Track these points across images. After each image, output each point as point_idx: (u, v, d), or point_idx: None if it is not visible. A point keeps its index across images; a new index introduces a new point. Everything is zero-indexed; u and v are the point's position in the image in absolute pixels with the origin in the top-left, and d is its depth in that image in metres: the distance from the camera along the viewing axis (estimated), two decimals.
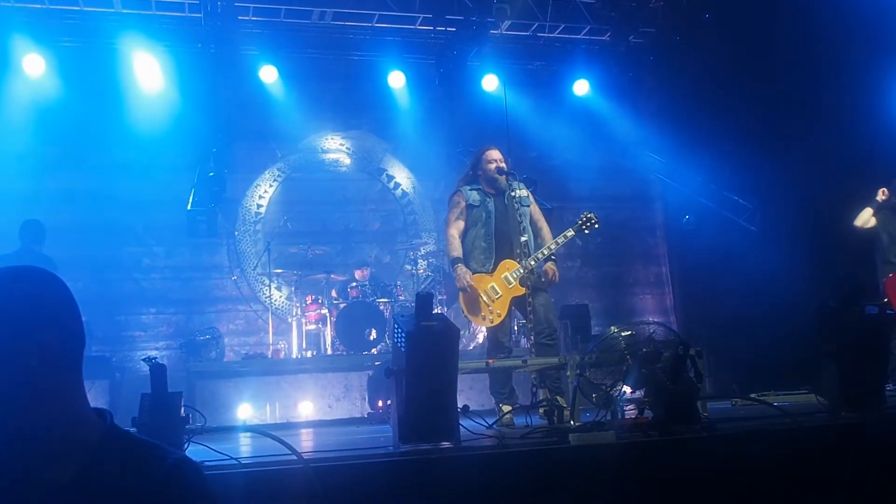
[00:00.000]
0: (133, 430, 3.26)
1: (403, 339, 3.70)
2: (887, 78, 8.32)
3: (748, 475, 3.39)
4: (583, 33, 11.42)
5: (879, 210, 7.73)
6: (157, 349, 10.18)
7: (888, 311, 4.67)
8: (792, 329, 7.93)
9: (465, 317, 6.29)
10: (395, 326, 3.86)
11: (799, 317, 7.71)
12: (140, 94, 10.13)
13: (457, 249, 6.15)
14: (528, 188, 6.43)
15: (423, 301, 3.80)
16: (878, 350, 4.45)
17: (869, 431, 3.82)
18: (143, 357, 3.88)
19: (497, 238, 6.11)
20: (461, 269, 6.05)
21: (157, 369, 3.44)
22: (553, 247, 6.05)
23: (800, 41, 8.72)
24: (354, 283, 10.05)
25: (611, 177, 12.28)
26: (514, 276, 5.95)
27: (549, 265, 6.12)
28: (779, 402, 4.56)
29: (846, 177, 8.40)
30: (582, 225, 6.19)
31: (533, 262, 5.93)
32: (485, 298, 5.99)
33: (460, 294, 6.13)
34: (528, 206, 6.24)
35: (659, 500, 3.27)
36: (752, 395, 5.24)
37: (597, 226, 6.20)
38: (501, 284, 5.99)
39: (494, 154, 6.24)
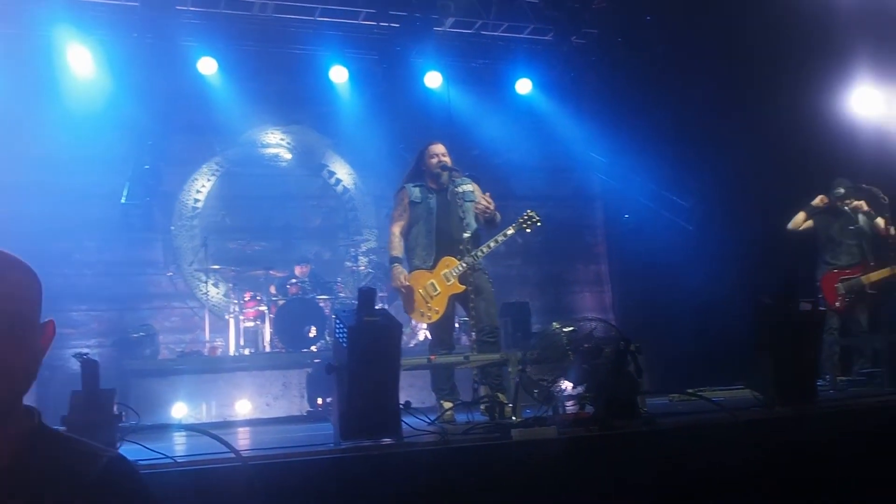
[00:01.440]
0: (62, 429, 3.15)
1: (345, 335, 3.65)
2: (825, 79, 8.52)
3: (687, 468, 3.42)
4: (526, 32, 11.46)
5: (815, 214, 7.90)
6: (88, 347, 9.88)
7: (820, 307, 4.78)
8: (727, 326, 8.12)
9: (405, 313, 6.26)
10: (337, 322, 3.81)
11: (734, 314, 7.89)
12: (73, 85, 9.80)
13: (396, 248, 6.12)
14: (475, 185, 6.40)
15: (366, 296, 3.76)
16: (811, 345, 4.54)
17: (802, 425, 3.89)
18: (73, 353, 3.75)
19: (438, 235, 6.09)
20: (397, 269, 6.05)
21: (89, 365, 3.33)
22: (493, 244, 6.03)
23: (739, 43, 8.87)
24: (294, 280, 9.93)
25: (552, 176, 12.37)
26: (454, 273, 5.93)
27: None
28: (715, 397, 4.61)
29: (783, 177, 8.58)
30: (523, 223, 6.18)
31: (473, 259, 5.92)
32: (422, 295, 5.96)
33: (400, 290, 6.10)
34: (473, 201, 6.21)
35: (601, 494, 3.28)
36: (689, 391, 5.29)
37: (539, 224, 6.19)
38: (440, 281, 5.97)
39: (437, 149, 6.22)
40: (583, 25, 10.99)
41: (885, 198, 7.02)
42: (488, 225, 6.22)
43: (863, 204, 7.69)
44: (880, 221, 7.62)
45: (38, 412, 1.54)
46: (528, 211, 6.24)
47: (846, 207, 7.73)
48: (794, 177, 8.26)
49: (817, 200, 7.82)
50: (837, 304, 7.57)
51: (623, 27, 10.81)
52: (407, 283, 5.97)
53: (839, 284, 7.58)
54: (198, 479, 2.96)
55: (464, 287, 5.89)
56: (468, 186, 6.24)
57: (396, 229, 6.18)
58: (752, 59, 8.88)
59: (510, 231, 6.11)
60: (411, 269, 6.08)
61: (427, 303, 5.95)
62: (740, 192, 8.93)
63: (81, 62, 9.76)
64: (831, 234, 7.81)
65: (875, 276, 7.44)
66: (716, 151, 9.58)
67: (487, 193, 6.19)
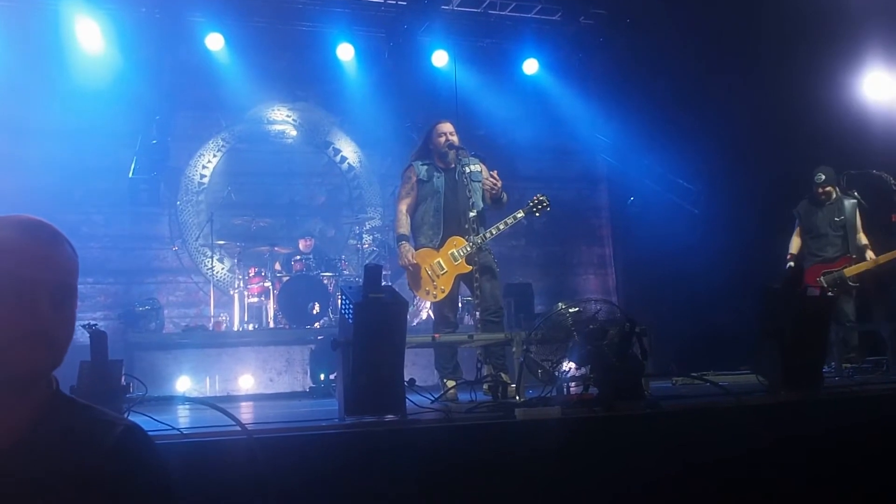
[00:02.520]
0: (81, 400, 3.16)
1: (351, 311, 3.66)
2: (837, 63, 8.46)
3: (691, 451, 3.43)
4: (534, 12, 11.38)
5: (801, 210, 7.95)
6: (94, 319, 9.94)
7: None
8: (732, 310, 8.13)
9: (411, 291, 6.26)
10: (343, 297, 3.81)
11: (739, 298, 7.89)
12: (81, 58, 9.79)
13: (403, 226, 6.11)
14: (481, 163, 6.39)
15: (372, 273, 3.76)
16: (818, 332, 4.54)
17: (808, 411, 3.89)
18: (82, 324, 3.76)
19: (445, 213, 6.08)
20: (405, 246, 6.02)
21: (98, 336, 3.34)
22: (502, 227, 6.04)
23: (750, 26, 8.81)
24: (298, 257, 9.94)
25: (557, 157, 12.34)
26: (461, 252, 5.93)
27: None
28: (720, 381, 4.62)
29: (791, 161, 8.55)
30: (533, 207, 6.17)
31: (481, 240, 5.92)
32: (429, 273, 5.96)
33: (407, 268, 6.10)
34: (480, 181, 6.20)
35: (603, 475, 3.29)
36: (693, 374, 5.30)
37: (548, 209, 6.20)
38: (447, 260, 5.97)
39: (445, 127, 6.20)
40: (591, 6, 10.95)
41: None
42: (495, 205, 6.23)
43: (844, 195, 7.72)
44: (859, 218, 7.65)
45: (56, 380, 1.56)
46: (539, 195, 6.23)
47: (825, 196, 7.74)
48: (803, 162, 8.22)
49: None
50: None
51: (632, 8, 10.75)
52: (414, 261, 5.97)
53: (821, 277, 7.58)
54: (203, 450, 2.97)
55: (470, 267, 5.89)
56: (475, 166, 6.22)
57: (403, 206, 6.16)
58: (763, 43, 8.82)
59: (520, 214, 6.11)
60: (417, 247, 6.07)
61: (433, 281, 5.96)
62: (747, 175, 8.89)
63: (90, 36, 9.74)
64: (816, 224, 7.80)
65: (856, 268, 7.46)
66: (723, 135, 9.53)
67: (495, 171, 6.19)
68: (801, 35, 8.33)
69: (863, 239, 7.61)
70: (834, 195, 7.75)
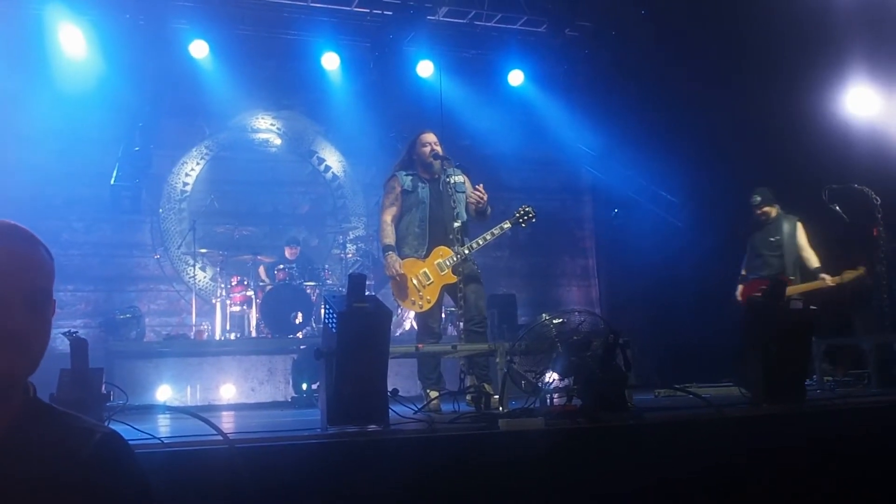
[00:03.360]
0: (57, 407, 3.12)
1: (335, 320, 3.64)
2: (820, 78, 8.53)
3: (674, 463, 3.43)
4: (519, 24, 11.43)
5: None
6: (74, 327, 9.83)
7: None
8: (715, 322, 8.15)
9: (395, 301, 6.24)
10: (327, 307, 3.79)
11: (722, 311, 7.92)
12: (64, 64, 9.73)
13: (389, 236, 6.08)
14: (465, 175, 6.39)
15: (356, 282, 3.74)
16: (800, 344, 4.56)
17: (789, 423, 3.91)
18: (63, 332, 3.72)
19: (431, 224, 6.06)
20: (392, 256, 5.98)
21: (78, 343, 3.31)
22: (488, 237, 6.04)
23: (734, 40, 8.87)
24: (282, 266, 9.90)
25: (542, 168, 12.38)
26: (448, 262, 5.92)
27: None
28: (702, 393, 4.62)
29: (774, 175, 8.59)
30: (519, 218, 6.17)
31: (466, 251, 5.91)
32: (416, 284, 5.94)
33: (392, 278, 6.08)
34: (464, 192, 6.20)
35: (586, 486, 3.29)
36: (676, 386, 5.31)
37: (534, 220, 6.19)
38: (433, 271, 5.95)
39: (429, 137, 6.19)
40: (577, 18, 11.00)
41: (878, 198, 7.05)
42: (479, 217, 6.22)
43: (786, 215, 7.78)
44: (802, 237, 7.69)
45: (33, 386, 1.54)
46: (525, 206, 6.23)
47: (763, 216, 7.80)
48: (786, 176, 8.28)
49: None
50: None
51: (617, 21, 10.81)
52: (402, 272, 5.94)
53: (756, 293, 7.59)
54: (184, 459, 2.95)
55: (456, 277, 5.88)
56: (459, 177, 6.21)
57: (388, 217, 6.13)
58: (746, 56, 8.89)
59: (507, 225, 6.11)
60: (402, 257, 6.03)
61: (419, 291, 5.93)
62: (731, 189, 8.93)
63: (73, 42, 9.69)
64: (755, 245, 7.88)
65: (795, 290, 7.37)
66: (707, 148, 9.59)
67: (480, 185, 6.18)
68: (785, 50, 8.39)
69: (811, 259, 7.62)
70: (774, 214, 7.80)
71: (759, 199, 7.81)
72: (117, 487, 1.47)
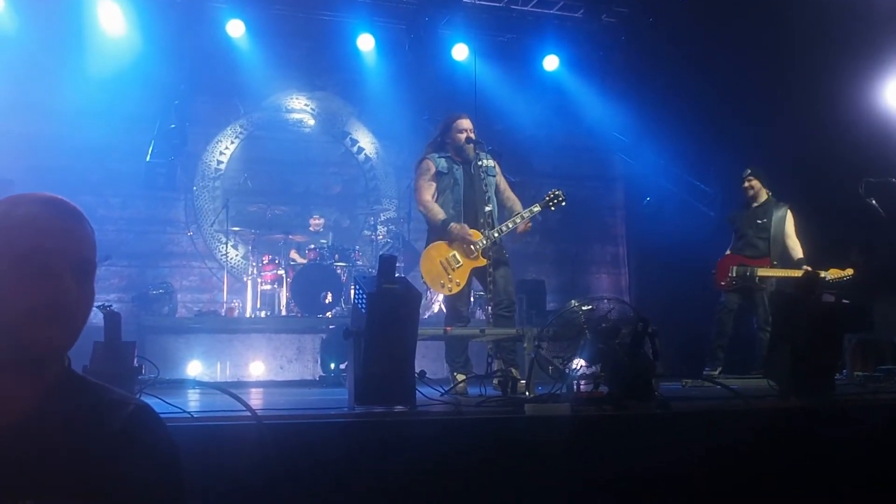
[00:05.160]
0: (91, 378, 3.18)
1: (364, 301, 3.66)
2: (860, 70, 8.39)
3: (699, 453, 3.42)
4: (556, 8, 11.34)
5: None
6: (108, 301, 9.97)
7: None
8: (743, 315, 8.09)
9: (424, 284, 6.25)
10: (357, 287, 3.82)
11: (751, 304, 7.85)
12: (101, 39, 9.84)
13: (441, 212, 6.00)
14: (495, 160, 6.38)
15: (387, 263, 3.76)
16: (831, 338, 4.51)
17: (817, 417, 3.88)
18: (97, 305, 3.78)
19: (464, 207, 6.05)
20: (455, 226, 5.90)
21: (112, 317, 3.37)
22: (518, 220, 6.03)
23: (772, 29, 8.75)
24: (312, 246, 9.96)
25: (574, 154, 12.31)
26: (478, 246, 5.92)
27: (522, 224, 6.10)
28: (730, 384, 4.60)
29: (809, 168, 8.49)
30: (549, 201, 6.14)
31: (497, 234, 5.91)
32: (445, 266, 5.95)
33: (421, 261, 6.08)
34: (494, 176, 6.19)
35: (610, 473, 3.29)
36: (704, 375, 5.29)
37: (564, 203, 6.15)
38: (463, 254, 5.96)
39: (465, 123, 6.17)
40: (614, 4, 10.91)
41: None
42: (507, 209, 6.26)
43: (777, 202, 7.81)
44: (790, 225, 7.70)
45: (68, 357, 1.57)
46: (555, 189, 6.20)
47: (749, 188, 7.85)
48: (821, 169, 8.17)
49: None
50: (723, 283, 7.68)
51: (655, 7, 10.70)
52: (472, 237, 5.88)
53: (734, 266, 7.65)
54: (213, 434, 2.99)
55: (486, 261, 5.88)
56: (490, 161, 6.20)
57: (428, 196, 6.07)
58: (786, 46, 8.75)
59: (536, 209, 6.09)
60: (433, 239, 6.04)
61: (448, 274, 5.93)
62: (766, 180, 8.84)
63: (111, 19, 9.79)
64: (740, 225, 7.90)
65: (771, 271, 7.50)
66: (742, 139, 9.48)
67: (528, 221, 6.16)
68: (824, 41, 8.26)
69: (796, 249, 7.65)
70: (763, 197, 7.83)
71: (748, 171, 7.89)
72: (149, 458, 1.49)
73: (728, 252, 7.96)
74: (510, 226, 6.00)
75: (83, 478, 1.41)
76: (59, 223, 1.50)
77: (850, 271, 7.26)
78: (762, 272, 7.52)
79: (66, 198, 1.57)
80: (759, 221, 7.76)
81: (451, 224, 5.93)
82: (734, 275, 7.61)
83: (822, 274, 7.08)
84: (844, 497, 3.53)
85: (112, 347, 3.35)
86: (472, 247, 5.90)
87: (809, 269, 7.25)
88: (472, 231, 5.95)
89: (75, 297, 1.48)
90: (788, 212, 7.76)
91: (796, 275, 7.18)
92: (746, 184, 7.88)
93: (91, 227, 1.57)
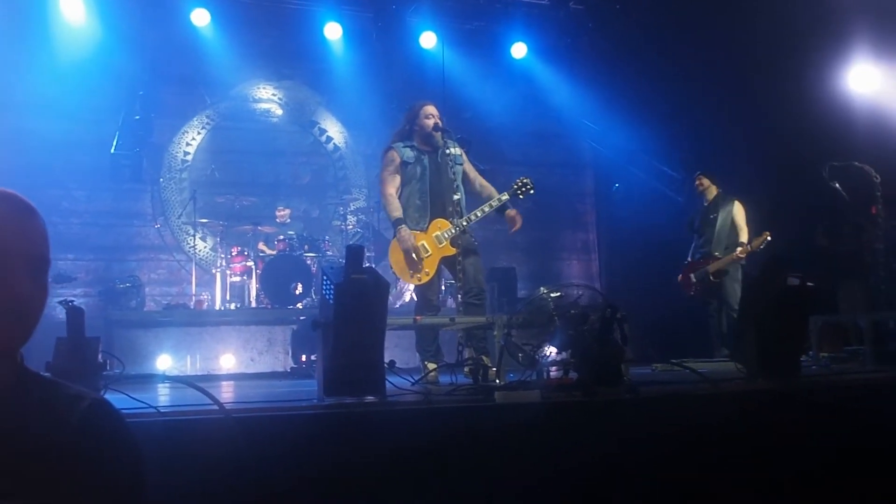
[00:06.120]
0: (47, 375, 3.13)
1: (332, 291, 3.64)
2: (823, 55, 8.48)
3: (669, 437, 3.44)
4: None
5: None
6: (74, 296, 9.87)
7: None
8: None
9: (394, 274, 6.23)
10: (325, 278, 3.79)
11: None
12: (64, 31, 9.68)
13: (397, 209, 6.01)
14: (462, 148, 6.36)
15: (354, 254, 3.73)
16: (796, 321, 4.56)
17: (784, 398, 3.92)
18: (59, 300, 3.73)
19: (431, 196, 6.04)
20: (405, 230, 5.91)
21: (74, 312, 3.31)
22: (486, 209, 6.02)
23: (737, 17, 8.80)
24: (282, 237, 9.90)
25: (544, 141, 12.33)
26: (446, 235, 5.91)
27: (510, 212, 6.12)
28: (699, 368, 4.63)
29: (775, 152, 8.58)
30: (517, 189, 6.15)
31: (465, 223, 5.90)
32: (415, 256, 5.93)
33: (390, 251, 6.06)
34: (461, 164, 6.18)
35: (581, 459, 3.30)
36: (673, 360, 5.32)
37: (532, 192, 6.16)
38: (432, 243, 5.94)
39: (431, 109, 6.14)
40: None
41: (878, 176, 7.02)
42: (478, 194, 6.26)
43: (724, 197, 8.26)
44: (738, 216, 8.14)
45: (21, 354, 1.54)
46: (523, 178, 6.21)
47: (700, 186, 8.40)
48: (786, 152, 8.28)
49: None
50: (692, 293, 8.29)
51: None
52: (417, 245, 5.89)
53: (692, 274, 8.27)
54: (180, 429, 2.96)
55: (455, 249, 5.87)
56: (457, 150, 6.17)
57: (391, 189, 6.07)
58: (750, 33, 8.81)
59: (504, 197, 6.09)
60: None
61: (418, 264, 5.93)
62: (731, 165, 8.92)
63: (73, 8, 9.63)
64: (698, 224, 8.40)
65: (716, 265, 8.02)
66: (709, 124, 9.54)
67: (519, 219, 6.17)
68: (788, 27, 8.33)
69: (743, 237, 8.08)
70: (713, 193, 8.34)
71: (698, 172, 8.47)
72: (106, 455, 1.47)
73: (688, 258, 8.47)
74: (479, 214, 6.00)
75: (40, 475, 1.39)
76: (10, 219, 1.47)
77: (765, 234, 7.72)
78: (711, 268, 8.03)
79: (24, 194, 1.54)
80: (711, 216, 8.25)
81: (401, 228, 5.93)
82: (695, 281, 8.20)
83: (748, 248, 7.77)
84: (811, 477, 3.57)
85: (75, 343, 3.30)
86: (442, 234, 5.91)
87: (739, 248, 7.85)
88: (440, 220, 5.95)
89: (28, 293, 1.45)
90: (736, 203, 8.21)
91: (734, 256, 7.88)
92: (696, 182, 8.46)
93: (43, 221, 1.54)
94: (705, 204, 8.37)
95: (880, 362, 5.79)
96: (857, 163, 7.25)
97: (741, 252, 7.83)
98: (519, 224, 6.15)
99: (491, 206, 6.04)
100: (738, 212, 8.16)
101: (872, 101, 8.56)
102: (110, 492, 1.45)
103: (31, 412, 1.45)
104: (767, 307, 4.44)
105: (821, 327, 6.49)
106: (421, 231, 5.99)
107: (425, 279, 5.97)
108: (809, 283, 4.58)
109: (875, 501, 3.64)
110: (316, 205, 11.58)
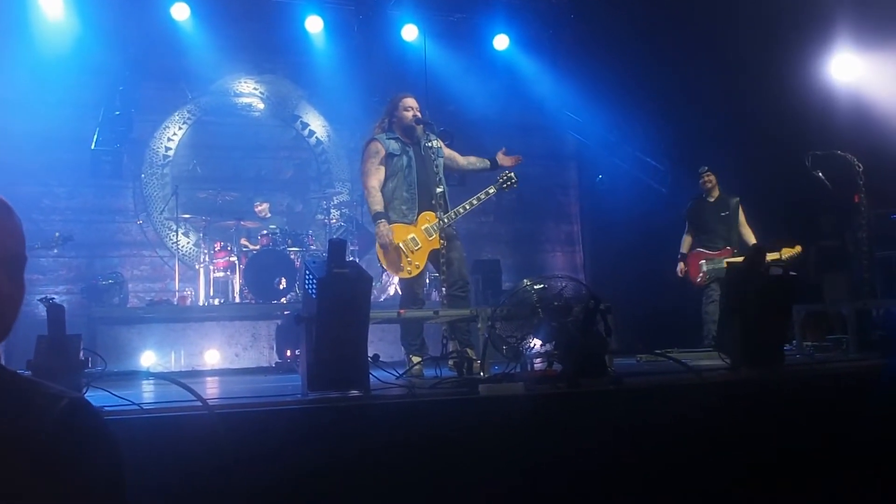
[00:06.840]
0: (28, 373, 3.11)
1: (315, 286, 3.63)
2: (805, 45, 8.52)
3: (654, 427, 3.45)
4: None
5: (689, 210, 8.63)
6: (56, 293, 9.78)
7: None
8: (696, 290, 8.22)
9: (381, 267, 6.21)
10: (307, 272, 3.77)
11: None
12: (42, 26, 9.58)
13: (378, 203, 5.98)
14: (444, 141, 6.37)
15: (337, 247, 3.72)
16: (780, 310, 4.58)
17: (768, 387, 3.94)
18: (39, 298, 3.70)
19: (419, 189, 6.02)
20: (384, 225, 5.88)
21: (55, 309, 3.29)
22: (475, 202, 6.04)
23: (720, 6, 8.81)
24: (265, 232, 9.86)
25: (527, 133, 12.28)
26: (435, 227, 5.90)
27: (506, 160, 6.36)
28: (683, 358, 4.64)
29: (759, 142, 8.62)
30: (503, 183, 6.18)
31: (453, 216, 5.90)
32: (404, 250, 5.92)
33: (377, 244, 6.04)
34: (443, 157, 6.19)
35: (566, 451, 3.31)
36: (657, 351, 5.34)
37: (516, 185, 6.22)
38: (422, 236, 5.93)
39: (411, 102, 6.13)
40: None
41: (860, 165, 7.05)
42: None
43: (728, 194, 8.34)
44: (742, 215, 8.27)
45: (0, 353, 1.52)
46: (507, 171, 6.25)
47: (708, 183, 8.39)
48: (770, 142, 8.32)
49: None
50: (698, 279, 8.26)
51: None
52: (395, 243, 5.89)
53: (703, 262, 8.25)
54: (164, 426, 2.95)
55: (443, 242, 5.86)
56: (436, 142, 6.16)
57: (374, 182, 6.02)
58: (732, 22, 8.83)
59: (491, 190, 6.12)
60: (389, 223, 5.99)
61: (408, 257, 5.91)
62: (715, 155, 8.94)
63: (51, 4, 9.54)
64: (706, 220, 8.39)
65: (734, 259, 7.82)
66: (692, 115, 9.56)
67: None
68: (770, 17, 8.35)
69: (749, 236, 8.20)
70: (718, 192, 8.38)
71: (706, 167, 8.43)
72: (85, 455, 1.45)
73: (683, 249, 8.47)
74: (467, 207, 6.01)
75: (17, 475, 1.37)
76: None
77: (798, 248, 7.66)
78: (729, 261, 7.80)
79: (4, 191, 1.52)
80: (722, 214, 8.28)
81: (381, 223, 5.91)
82: (706, 270, 8.17)
83: (777, 255, 7.56)
84: (796, 464, 3.59)
85: (56, 341, 3.27)
86: (431, 227, 5.90)
87: (761, 247, 7.54)
88: (428, 213, 5.95)
89: (5, 291, 1.43)
90: (738, 202, 8.30)
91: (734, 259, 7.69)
92: (705, 178, 8.42)
93: (18, 219, 1.51)
94: (710, 200, 8.38)
95: (863, 350, 5.83)
96: (839, 151, 7.29)
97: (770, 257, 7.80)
98: (520, 158, 6.37)
99: (479, 199, 6.08)
100: (741, 212, 8.29)
101: (854, 90, 8.61)
102: (89, 492, 1.43)
103: (8, 411, 1.42)
104: (750, 297, 4.45)
105: (804, 316, 6.53)
106: (410, 224, 5.97)
107: (416, 272, 5.97)
108: (792, 273, 4.61)
109: (859, 488, 3.66)
110: (299, 199, 11.54)
